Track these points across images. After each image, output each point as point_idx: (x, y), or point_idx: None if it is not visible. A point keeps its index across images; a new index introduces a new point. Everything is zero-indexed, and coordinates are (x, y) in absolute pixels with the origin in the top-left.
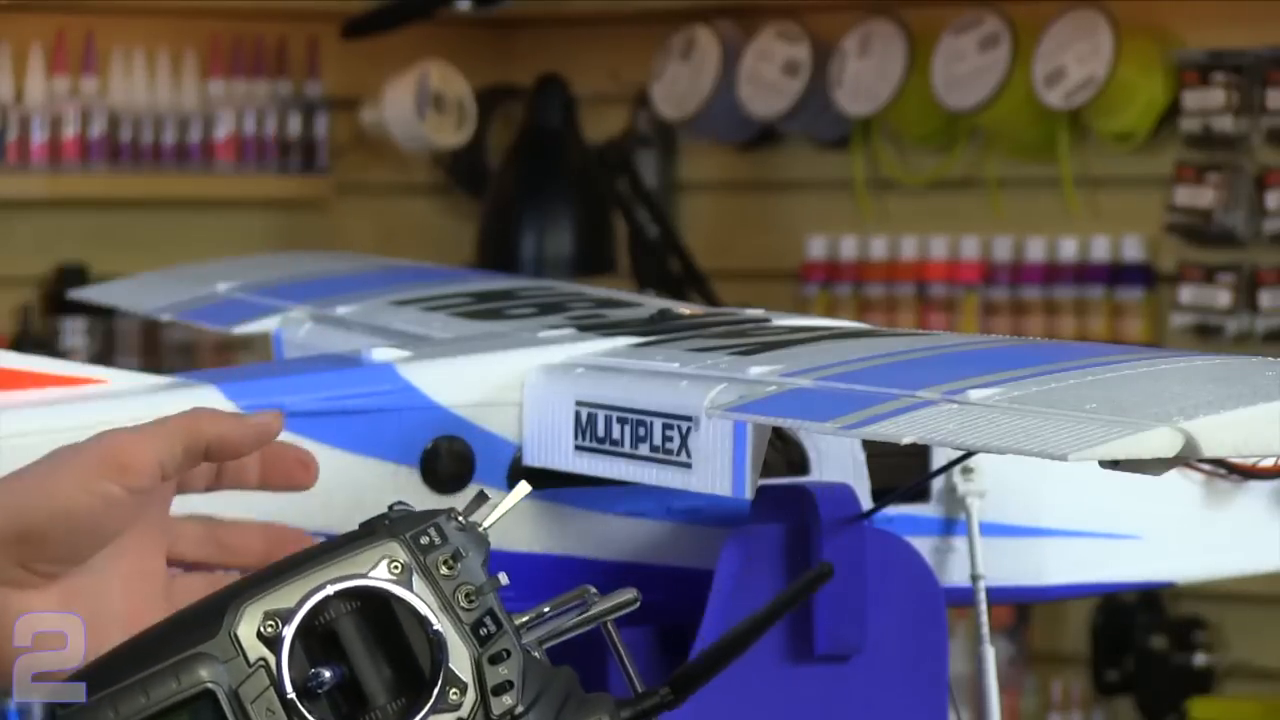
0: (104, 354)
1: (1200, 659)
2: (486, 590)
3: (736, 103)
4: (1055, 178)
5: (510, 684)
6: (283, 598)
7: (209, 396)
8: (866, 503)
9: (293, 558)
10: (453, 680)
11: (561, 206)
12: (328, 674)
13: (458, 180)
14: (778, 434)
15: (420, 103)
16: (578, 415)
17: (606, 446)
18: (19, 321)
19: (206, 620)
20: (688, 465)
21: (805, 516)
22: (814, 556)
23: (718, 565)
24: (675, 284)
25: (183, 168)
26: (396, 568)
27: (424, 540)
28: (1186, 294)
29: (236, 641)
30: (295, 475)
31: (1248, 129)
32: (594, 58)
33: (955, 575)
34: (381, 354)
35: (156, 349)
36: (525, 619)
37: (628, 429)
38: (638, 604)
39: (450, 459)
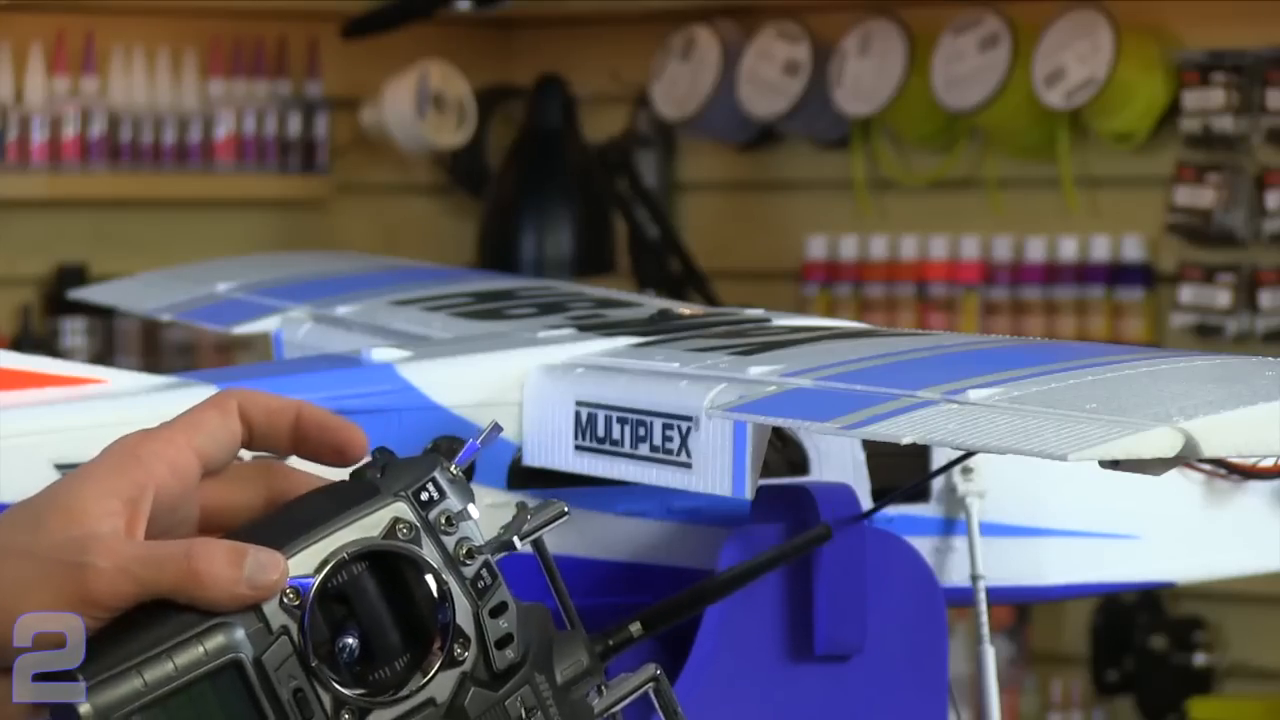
0: (104, 354)
1: (1200, 659)
2: (485, 547)
3: (736, 103)
4: (1055, 178)
5: (511, 636)
6: (300, 564)
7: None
8: (866, 503)
9: (299, 517)
10: (458, 635)
11: (561, 206)
12: (351, 641)
13: (458, 180)
14: (778, 434)
15: (420, 103)
16: (578, 415)
17: (607, 447)
18: (19, 321)
19: None
20: (688, 465)
21: (805, 516)
22: (814, 556)
23: (718, 565)
24: (675, 284)
25: (183, 168)
26: (405, 529)
27: (424, 497)
28: (1186, 294)
29: (259, 610)
30: (327, 457)
31: (1248, 129)
32: (594, 58)
33: (955, 575)
34: (381, 354)
35: (156, 349)
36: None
37: (628, 429)
38: (567, 515)
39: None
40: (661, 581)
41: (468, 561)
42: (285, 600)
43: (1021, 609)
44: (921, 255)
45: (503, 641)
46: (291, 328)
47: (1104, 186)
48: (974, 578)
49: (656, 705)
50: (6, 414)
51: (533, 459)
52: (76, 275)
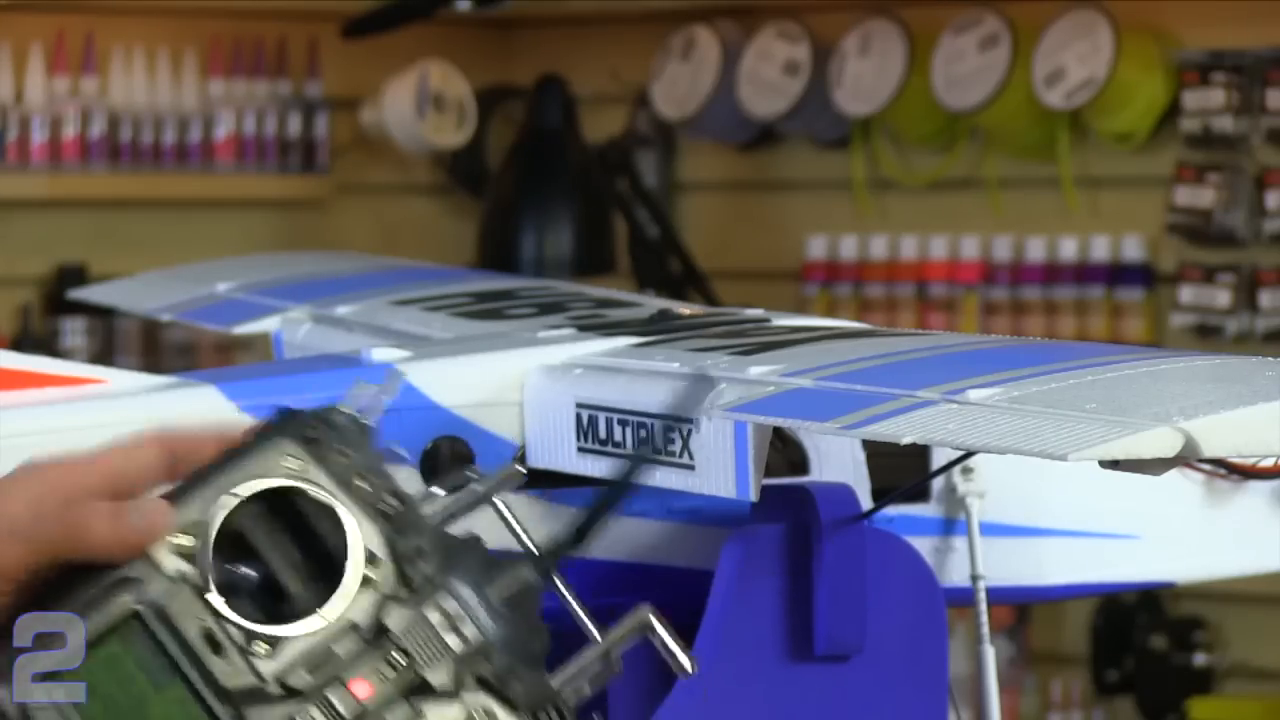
0: (104, 354)
1: (1200, 659)
2: (382, 471)
3: (736, 103)
4: (1055, 178)
5: (422, 550)
6: (192, 511)
7: (209, 396)
8: (866, 503)
9: (195, 472)
10: (367, 558)
11: (561, 206)
12: (247, 572)
13: (458, 180)
14: (778, 434)
15: (420, 103)
16: (579, 417)
17: (609, 449)
18: (19, 321)
19: None
20: (690, 467)
21: (805, 516)
22: (814, 556)
23: (718, 565)
24: (675, 284)
25: (183, 168)
26: (295, 464)
27: (312, 434)
28: (1186, 294)
29: (153, 561)
30: None
31: (1248, 129)
32: (594, 58)
33: (955, 575)
34: (381, 354)
35: (156, 349)
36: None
37: (629, 430)
38: (524, 478)
39: (451, 459)
40: (661, 581)
41: (368, 487)
42: (181, 547)
43: (1021, 609)
44: (921, 255)
45: (414, 556)
46: (291, 328)
47: (1104, 186)
48: (974, 578)
49: (655, 644)
50: (6, 414)
51: (536, 460)
52: (76, 275)
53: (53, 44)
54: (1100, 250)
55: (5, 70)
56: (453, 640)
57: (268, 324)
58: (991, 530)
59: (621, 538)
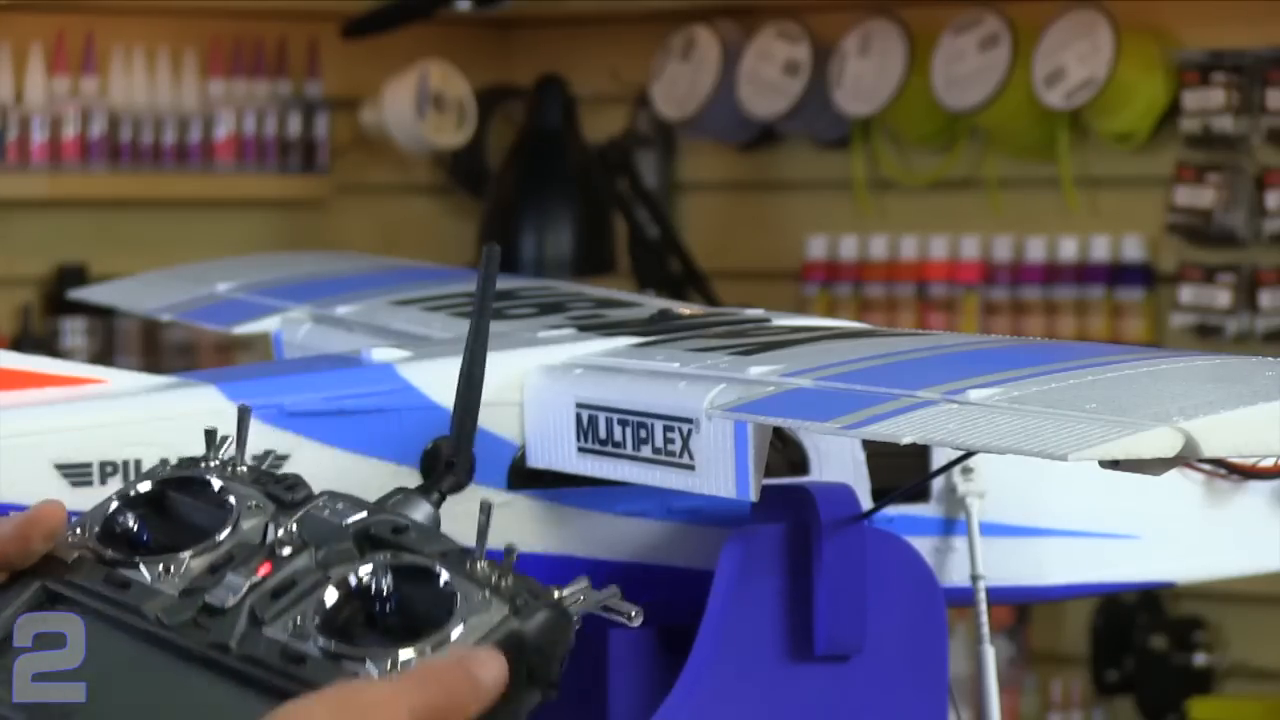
0: (104, 354)
1: (1200, 659)
2: (250, 465)
3: (736, 103)
4: (1055, 178)
5: (295, 483)
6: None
7: (209, 396)
8: (866, 503)
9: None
10: (245, 498)
11: (561, 206)
12: (128, 520)
13: (458, 180)
14: (778, 434)
15: (420, 103)
16: (579, 417)
17: (609, 449)
18: (19, 321)
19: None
20: (690, 467)
21: (805, 516)
22: (814, 556)
23: (718, 565)
24: (675, 284)
25: (183, 168)
26: (165, 467)
27: (187, 459)
28: (1186, 294)
29: (57, 559)
30: (37, 545)
31: (1248, 129)
32: (594, 58)
33: (955, 575)
34: (381, 354)
35: (156, 349)
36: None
37: (629, 431)
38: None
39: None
40: (661, 581)
41: (235, 472)
42: (74, 539)
43: (1021, 609)
44: (921, 255)
45: (290, 486)
46: (291, 328)
47: (1104, 186)
48: (974, 578)
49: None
50: (6, 414)
51: (536, 460)
52: (76, 275)
53: (53, 44)
54: (1100, 250)
55: (5, 70)
56: (342, 520)
57: (268, 324)
58: (991, 530)
59: (621, 538)
